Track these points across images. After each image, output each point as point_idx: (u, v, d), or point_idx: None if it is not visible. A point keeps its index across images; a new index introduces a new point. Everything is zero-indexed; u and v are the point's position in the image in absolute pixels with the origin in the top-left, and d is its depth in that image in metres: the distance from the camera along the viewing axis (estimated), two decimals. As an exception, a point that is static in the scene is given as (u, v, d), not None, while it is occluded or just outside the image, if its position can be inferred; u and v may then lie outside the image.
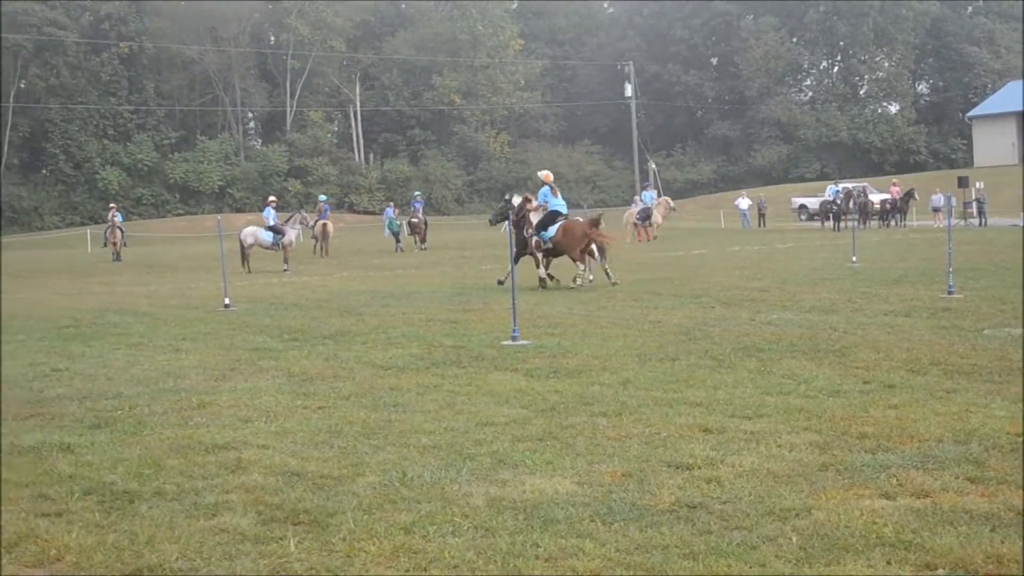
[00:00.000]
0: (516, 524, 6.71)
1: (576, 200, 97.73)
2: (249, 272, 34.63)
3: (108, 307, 22.99)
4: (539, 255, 25.22)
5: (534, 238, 25.10)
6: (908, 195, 58.50)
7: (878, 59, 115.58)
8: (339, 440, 9.14)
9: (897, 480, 7.42)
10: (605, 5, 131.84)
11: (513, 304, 15.91)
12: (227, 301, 21.73)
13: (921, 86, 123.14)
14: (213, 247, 36.09)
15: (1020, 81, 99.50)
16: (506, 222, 27.00)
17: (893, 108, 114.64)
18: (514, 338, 14.98)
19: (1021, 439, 8.23)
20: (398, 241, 49.18)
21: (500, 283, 24.89)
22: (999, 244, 36.57)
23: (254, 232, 37.59)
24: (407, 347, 14.82)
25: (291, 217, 39.41)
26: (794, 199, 75.43)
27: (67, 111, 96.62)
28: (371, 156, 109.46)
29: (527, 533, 6.51)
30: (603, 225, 25.35)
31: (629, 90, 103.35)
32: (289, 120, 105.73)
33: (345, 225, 79.90)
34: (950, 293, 19.34)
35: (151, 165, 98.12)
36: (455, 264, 35.35)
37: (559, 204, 25.55)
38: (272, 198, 41.53)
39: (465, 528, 6.65)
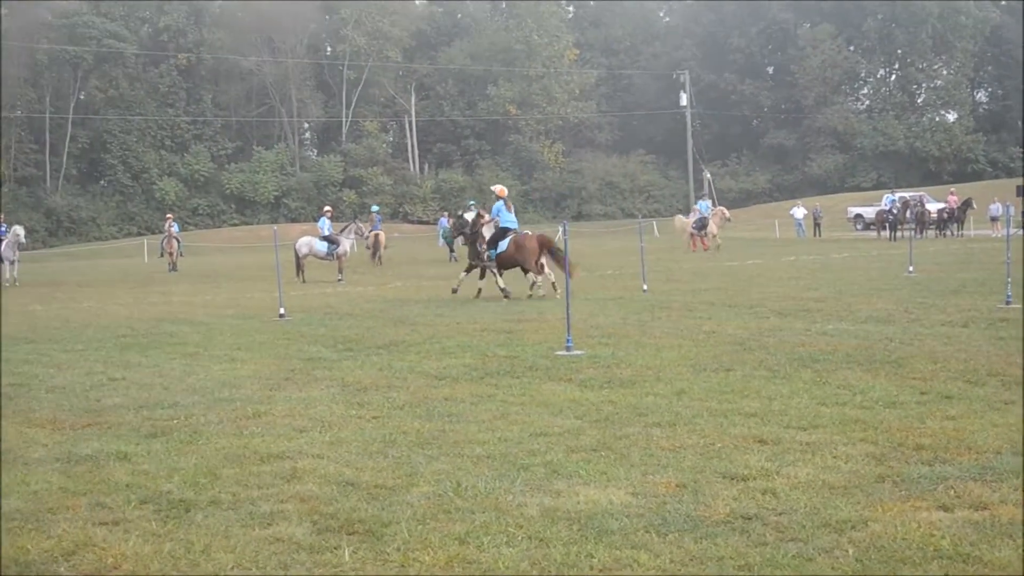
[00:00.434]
0: (570, 535, 6.69)
1: (630, 210, 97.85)
2: (304, 282, 34.77)
3: (164, 317, 23.17)
4: (495, 269, 25.85)
5: (485, 255, 25.82)
6: (966, 204, 58.00)
7: (936, 67, 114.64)
8: (393, 450, 9.16)
9: (955, 492, 7.35)
10: (661, 14, 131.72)
11: (567, 314, 15.91)
12: (282, 311, 21.83)
13: (980, 94, 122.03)
14: (268, 257, 36.27)
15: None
16: (460, 237, 28.41)
17: (951, 116, 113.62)
18: (568, 348, 14.96)
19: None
20: (452, 250, 49.22)
21: (454, 291, 26.15)
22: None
23: (309, 242, 37.74)
24: (461, 357, 14.83)
25: (346, 227, 39.55)
26: (850, 208, 74.97)
27: (125, 122, 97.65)
28: (426, 166, 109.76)
29: (581, 544, 6.50)
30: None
31: (684, 99, 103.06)
32: (344, 130, 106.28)
33: (399, 235, 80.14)
34: (1008, 303, 19.15)
35: (208, 175, 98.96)
36: (509, 274, 35.30)
37: (509, 220, 26.16)
38: (327, 208, 41.67)
39: (519, 538, 6.64)
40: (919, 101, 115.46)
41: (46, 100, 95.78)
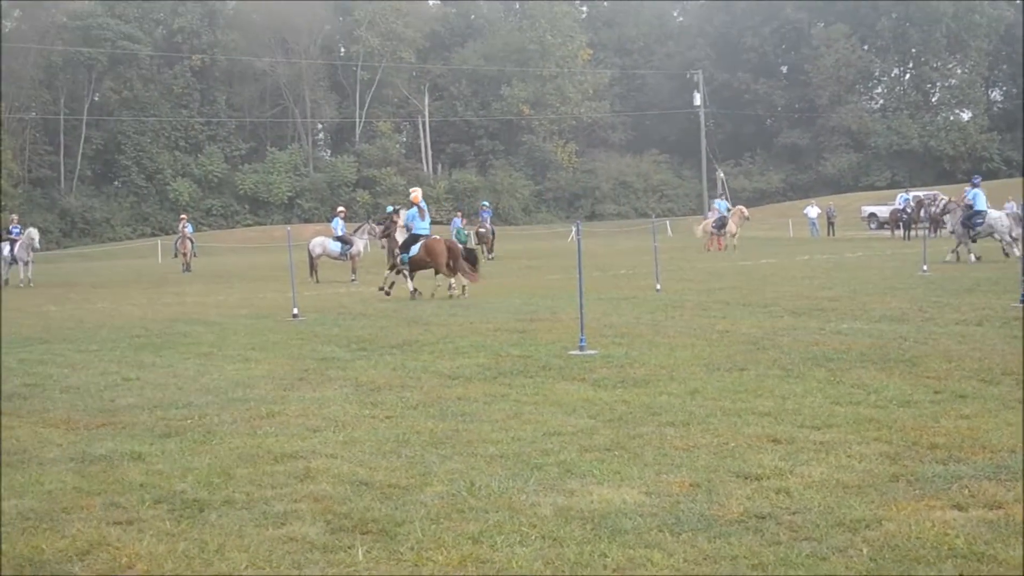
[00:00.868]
0: (584, 534, 6.69)
1: (643, 209, 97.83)
2: (317, 282, 34.85)
3: (178, 317, 23.20)
4: (406, 271, 26.95)
5: (398, 259, 27.00)
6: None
7: (950, 66, 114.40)
8: (407, 449, 9.16)
9: (969, 491, 7.33)
10: (675, 14, 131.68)
11: (580, 314, 15.91)
12: (296, 311, 21.85)
13: (994, 93, 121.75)
14: (282, 257, 36.34)
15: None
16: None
17: (965, 115, 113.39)
18: (581, 348, 14.95)
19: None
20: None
21: (381, 290, 27.15)
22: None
23: (322, 242, 37.83)
24: (474, 357, 14.83)
25: (359, 227, 39.59)
26: (864, 208, 74.85)
27: (140, 123, 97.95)
28: (439, 166, 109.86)
29: (595, 543, 6.49)
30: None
31: (698, 99, 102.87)
32: (358, 131, 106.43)
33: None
34: (1023, 302, 19.09)
35: (221, 176, 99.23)
36: (522, 274, 35.36)
37: (422, 228, 26.97)
38: (341, 209, 41.74)
39: (533, 538, 6.64)
40: (933, 100, 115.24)
41: (60, 102, 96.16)
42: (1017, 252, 31.42)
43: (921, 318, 17.73)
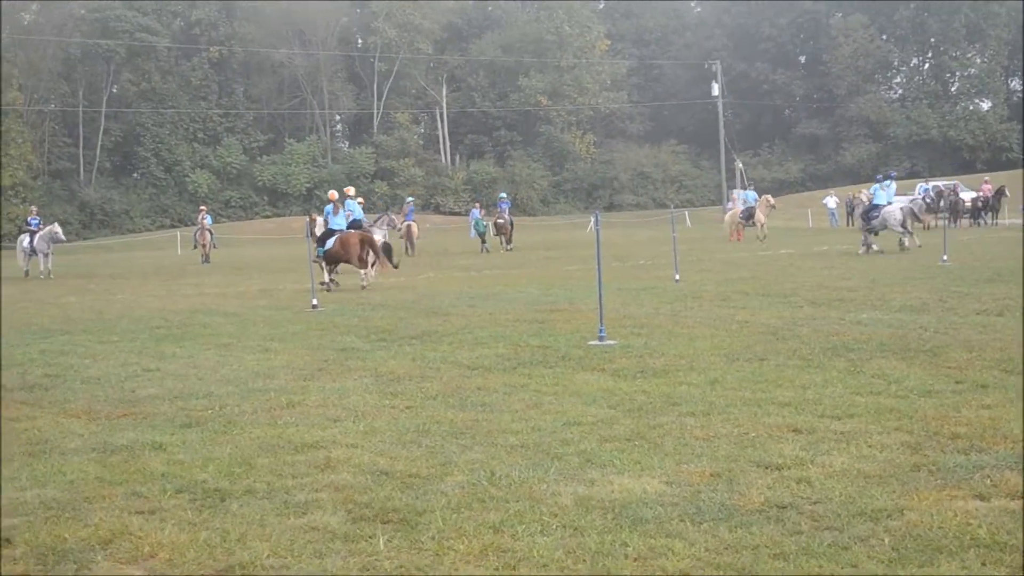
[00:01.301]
0: (605, 523, 6.69)
1: (662, 200, 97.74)
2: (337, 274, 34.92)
3: (198, 308, 23.24)
4: (323, 264, 28.27)
5: (314, 252, 27.89)
6: (999, 192, 57.69)
7: (970, 56, 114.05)
8: (427, 439, 9.17)
9: (991, 481, 7.31)
10: (692, 4, 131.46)
11: (600, 304, 15.90)
12: (315, 302, 21.88)
13: (1014, 82, 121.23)
14: (300, 249, 36.41)
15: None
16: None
17: (985, 105, 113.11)
18: (601, 338, 14.94)
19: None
20: (484, 242, 49.25)
21: (324, 285, 27.40)
22: (1095, 242, 35.96)
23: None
24: (493, 347, 14.83)
25: (379, 218, 39.69)
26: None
27: (158, 115, 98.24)
28: (457, 157, 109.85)
29: (616, 533, 6.49)
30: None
31: (716, 89, 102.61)
32: (376, 122, 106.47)
33: (431, 226, 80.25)
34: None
35: (240, 168, 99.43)
36: (541, 265, 35.35)
37: (336, 223, 28.83)
38: (358, 199, 41.87)
39: (554, 527, 6.64)
40: (952, 90, 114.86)
41: (79, 94, 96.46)
42: (907, 243, 34.80)
43: (941, 308, 17.67)
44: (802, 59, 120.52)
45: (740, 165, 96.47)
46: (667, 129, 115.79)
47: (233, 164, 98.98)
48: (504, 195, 57.22)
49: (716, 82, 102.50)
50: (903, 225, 35.31)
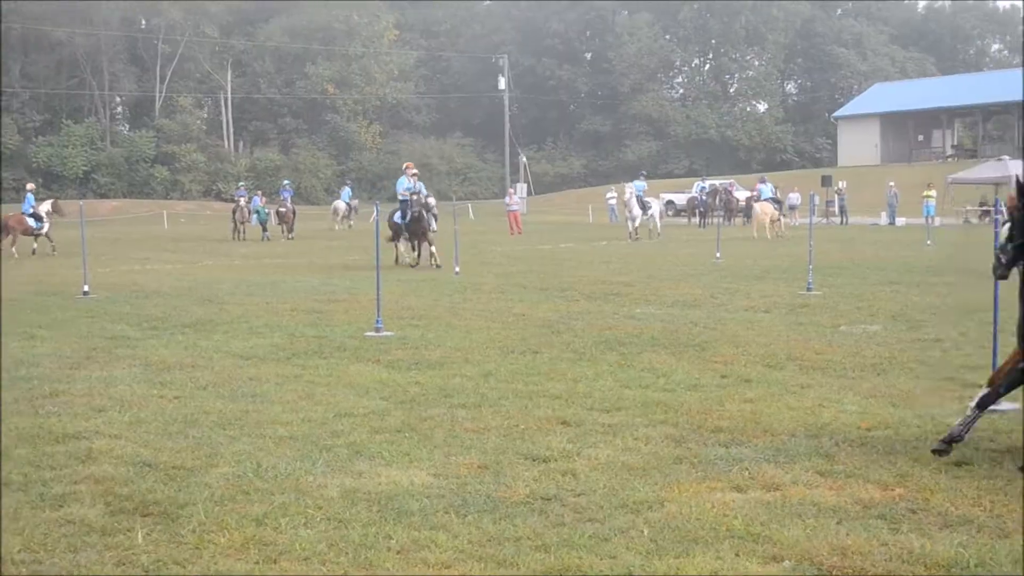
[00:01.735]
0: (370, 516, 6.67)
1: (446, 192, 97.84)
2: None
3: (-37, 292, 22.42)
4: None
5: None
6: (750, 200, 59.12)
7: (748, 58, 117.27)
8: (194, 430, 9.01)
9: (749, 473, 7.53)
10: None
11: (377, 295, 15.85)
12: (86, 288, 21.29)
13: (789, 86, 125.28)
14: (74, 233, 35.40)
15: (884, 83, 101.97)
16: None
17: (761, 107, 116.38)
18: (377, 329, 14.91)
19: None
20: (265, 230, 48.67)
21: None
22: (859, 243, 37.38)
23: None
24: (269, 337, 14.68)
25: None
26: (662, 195, 76.02)
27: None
28: (241, 144, 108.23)
29: (380, 525, 6.49)
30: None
31: (503, 83, 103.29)
32: (158, 105, 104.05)
33: (211, 213, 79.00)
34: (809, 290, 19.69)
35: (14, 148, 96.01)
36: (322, 254, 35.09)
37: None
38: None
39: (318, 520, 6.60)
40: (731, 91, 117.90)
41: None
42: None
43: (712, 304, 18.13)
44: (588, 56, 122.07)
45: (524, 159, 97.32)
46: (453, 121, 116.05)
47: (7, 144, 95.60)
48: (287, 183, 56.68)
49: (503, 76, 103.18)
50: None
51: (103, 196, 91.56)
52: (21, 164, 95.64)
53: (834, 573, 5.70)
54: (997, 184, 51.12)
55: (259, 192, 61.34)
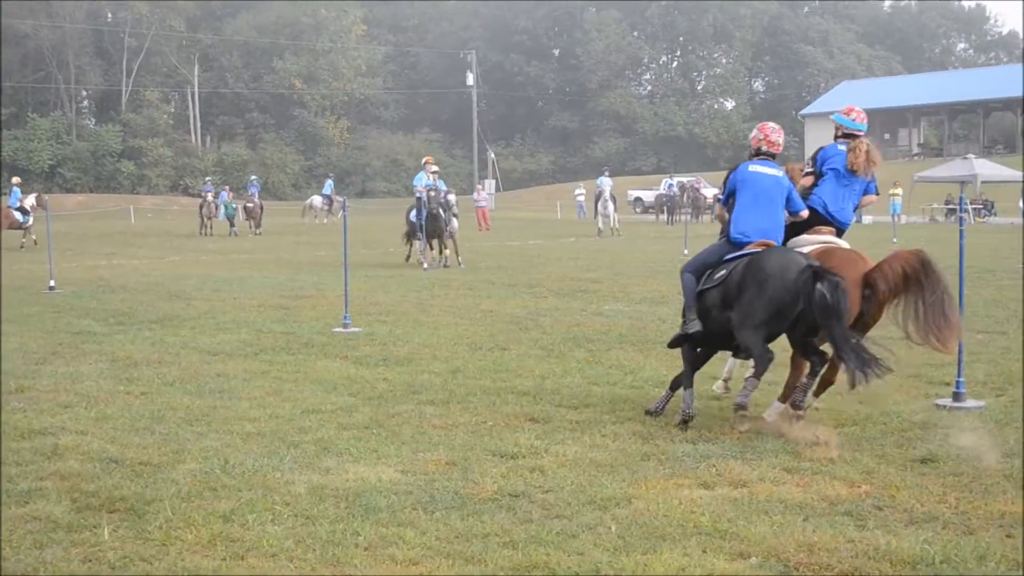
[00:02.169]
0: (337, 512, 6.67)
1: (414, 188, 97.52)
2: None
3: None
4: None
5: None
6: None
7: (716, 55, 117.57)
8: (161, 426, 8.99)
9: (716, 470, 7.56)
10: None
11: (345, 291, 15.82)
12: (52, 283, 21.17)
13: (757, 83, 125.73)
14: (39, 227, 35.25)
15: (851, 81, 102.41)
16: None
17: (729, 104, 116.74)
18: (345, 325, 14.90)
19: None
20: (232, 225, 48.49)
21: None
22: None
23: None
24: (236, 333, 14.63)
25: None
26: (630, 192, 76.16)
27: None
28: (208, 139, 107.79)
29: (348, 521, 6.48)
30: None
31: (471, 79, 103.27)
32: (124, 99, 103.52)
33: (178, 208, 78.70)
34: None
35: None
36: (290, 250, 35.00)
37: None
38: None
39: (285, 516, 6.59)
40: (699, 88, 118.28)
41: None
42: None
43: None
44: (556, 52, 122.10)
45: (492, 155, 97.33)
46: (421, 117, 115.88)
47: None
48: (254, 178, 56.51)
49: (471, 72, 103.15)
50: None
51: (69, 190, 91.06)
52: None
53: (801, 569, 5.72)
54: (962, 182, 51.45)
55: (227, 187, 61.06)
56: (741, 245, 9.32)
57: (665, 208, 58.49)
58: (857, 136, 10.26)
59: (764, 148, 9.87)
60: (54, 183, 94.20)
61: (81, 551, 6.04)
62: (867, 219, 55.67)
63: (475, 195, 55.74)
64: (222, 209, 52.35)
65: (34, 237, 37.88)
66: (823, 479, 7.32)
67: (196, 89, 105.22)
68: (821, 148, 10.46)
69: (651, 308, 17.16)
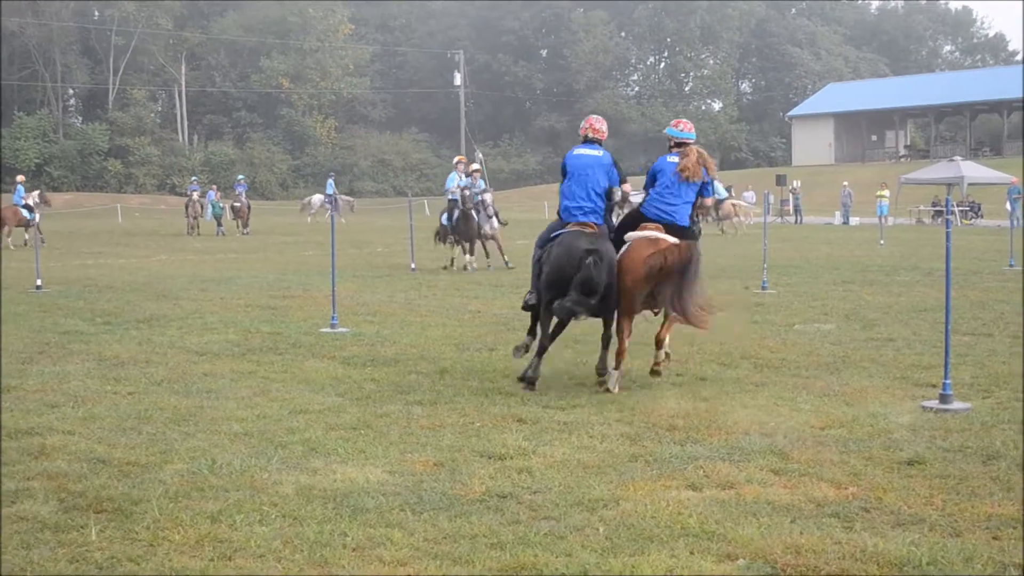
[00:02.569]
0: (325, 513, 6.66)
1: (402, 188, 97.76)
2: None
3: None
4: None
5: None
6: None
7: (703, 57, 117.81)
8: (148, 426, 8.97)
9: (704, 472, 7.56)
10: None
11: (333, 291, 15.82)
12: (39, 282, 21.13)
13: (744, 85, 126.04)
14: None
15: (838, 83, 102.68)
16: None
17: (716, 105, 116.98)
18: (333, 325, 14.88)
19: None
20: (220, 225, 48.44)
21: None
22: (813, 242, 37.62)
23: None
24: (223, 333, 14.62)
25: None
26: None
27: None
28: (195, 137, 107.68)
29: (335, 522, 6.47)
30: None
31: (458, 79, 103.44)
32: (111, 98, 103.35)
33: (166, 207, 78.57)
34: (764, 289, 19.79)
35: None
36: (277, 249, 34.99)
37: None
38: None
39: (273, 517, 6.58)
40: (686, 89, 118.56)
41: None
42: None
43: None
44: (543, 53, 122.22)
45: (480, 155, 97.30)
46: (409, 117, 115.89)
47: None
48: (242, 178, 56.41)
49: (459, 72, 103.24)
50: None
51: (56, 189, 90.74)
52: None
53: (788, 571, 5.73)
54: (949, 184, 51.62)
55: (214, 186, 61.00)
56: (565, 223, 11.00)
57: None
58: (687, 144, 11.55)
59: (590, 135, 11.73)
60: (41, 182, 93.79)
61: (68, 551, 6.02)
62: (854, 221, 55.89)
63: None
64: (209, 209, 52.33)
65: (42, 236, 37.80)
66: (810, 481, 7.33)
67: (183, 88, 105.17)
68: (654, 162, 12.03)
69: (639, 309, 17.15)
